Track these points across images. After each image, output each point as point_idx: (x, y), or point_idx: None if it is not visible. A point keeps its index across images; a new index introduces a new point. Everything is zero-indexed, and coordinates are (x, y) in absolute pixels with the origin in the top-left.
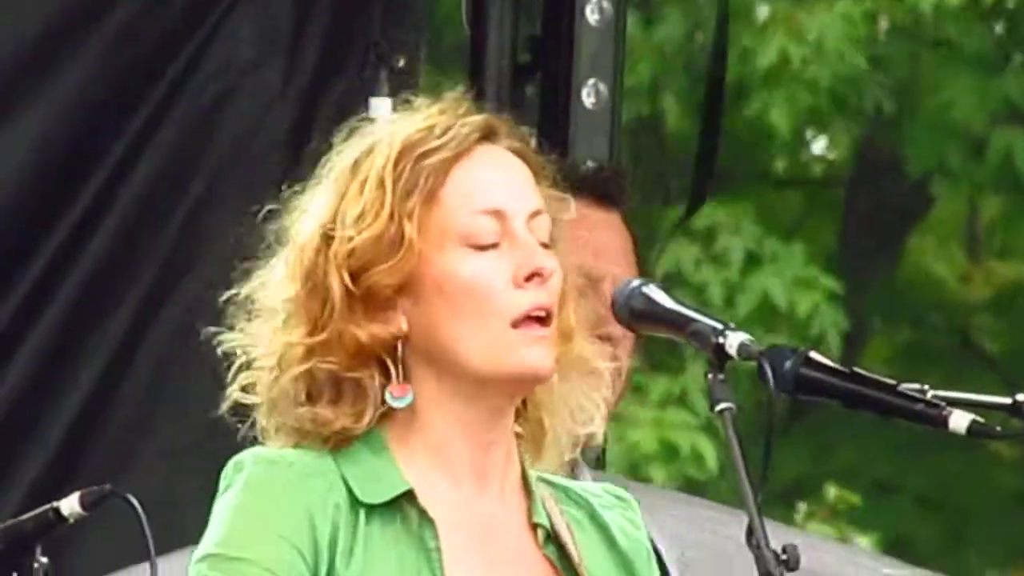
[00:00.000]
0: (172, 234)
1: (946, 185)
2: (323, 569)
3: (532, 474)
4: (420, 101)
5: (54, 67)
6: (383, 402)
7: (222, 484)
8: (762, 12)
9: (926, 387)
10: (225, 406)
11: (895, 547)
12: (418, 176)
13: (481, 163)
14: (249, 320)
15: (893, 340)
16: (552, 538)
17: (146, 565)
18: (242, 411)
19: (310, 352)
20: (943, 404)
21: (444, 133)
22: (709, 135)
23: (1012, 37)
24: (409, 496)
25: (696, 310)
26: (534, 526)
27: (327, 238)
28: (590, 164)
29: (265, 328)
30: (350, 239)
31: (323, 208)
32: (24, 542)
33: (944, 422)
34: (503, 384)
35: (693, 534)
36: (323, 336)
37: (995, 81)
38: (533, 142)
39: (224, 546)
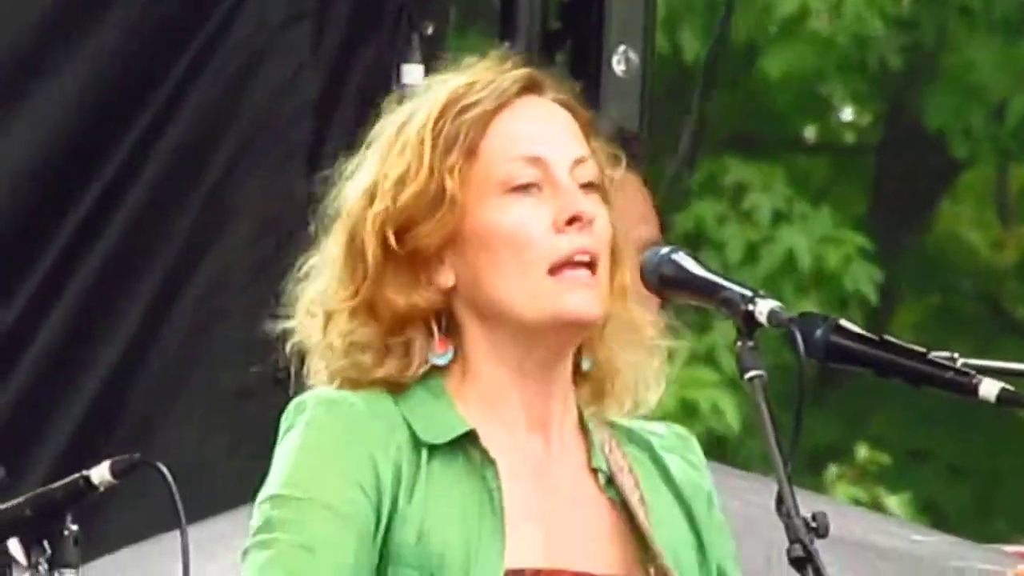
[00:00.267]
0: (199, 203)
1: (968, 146)
2: (386, 506)
3: (590, 418)
4: (468, 60)
5: (84, 30)
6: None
7: (283, 425)
8: None
9: (956, 355)
10: (280, 363)
11: (925, 513)
12: (458, 130)
13: (522, 113)
14: (302, 284)
15: (923, 306)
16: (612, 482)
17: (175, 533)
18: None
19: (352, 315)
20: (973, 372)
21: (486, 87)
22: (708, 79)
23: None
24: (471, 437)
25: (726, 277)
26: (593, 471)
27: (370, 202)
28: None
29: (313, 291)
30: (393, 200)
31: (367, 173)
32: (54, 510)
33: (974, 390)
34: (549, 331)
35: (723, 501)
36: (363, 300)
37: (1019, 45)
38: None
39: (288, 487)
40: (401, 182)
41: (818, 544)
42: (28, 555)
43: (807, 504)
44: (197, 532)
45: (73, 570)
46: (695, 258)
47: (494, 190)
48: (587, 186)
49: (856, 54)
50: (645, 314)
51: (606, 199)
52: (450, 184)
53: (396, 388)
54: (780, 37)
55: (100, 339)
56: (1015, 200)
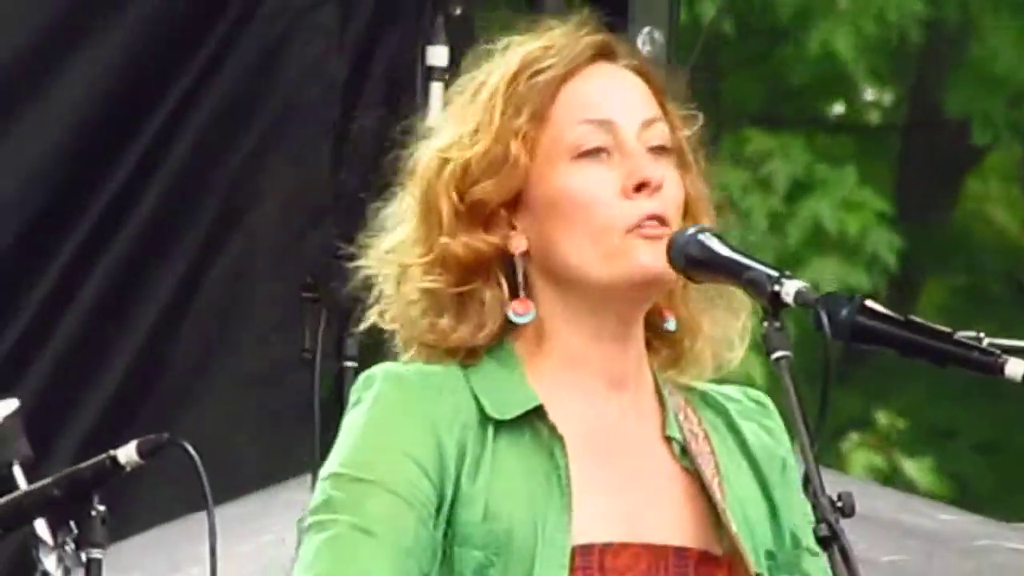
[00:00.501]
0: (226, 184)
1: (991, 132)
2: (449, 486)
3: (665, 383)
4: (547, 22)
5: (111, 15)
6: (506, 318)
7: (352, 397)
8: None
9: (981, 335)
10: (363, 327)
11: (947, 486)
12: (529, 95)
13: (592, 78)
14: (378, 243)
15: (948, 286)
16: (686, 451)
17: (202, 514)
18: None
19: (424, 271)
20: (998, 352)
21: (559, 52)
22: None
23: None
24: (539, 411)
25: (752, 257)
26: (668, 439)
27: (443, 160)
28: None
29: (389, 249)
30: (461, 157)
31: (441, 131)
32: (82, 490)
33: (1000, 369)
34: (622, 290)
35: None
36: (433, 254)
37: None
38: None
39: (349, 466)
40: (471, 141)
41: (844, 523)
42: (55, 535)
43: (834, 484)
44: (223, 513)
45: (100, 550)
46: (720, 238)
47: (563, 155)
48: (658, 149)
49: (877, 31)
50: None
51: (683, 162)
52: (514, 147)
53: (468, 357)
54: (801, 16)
55: (127, 322)
56: None
